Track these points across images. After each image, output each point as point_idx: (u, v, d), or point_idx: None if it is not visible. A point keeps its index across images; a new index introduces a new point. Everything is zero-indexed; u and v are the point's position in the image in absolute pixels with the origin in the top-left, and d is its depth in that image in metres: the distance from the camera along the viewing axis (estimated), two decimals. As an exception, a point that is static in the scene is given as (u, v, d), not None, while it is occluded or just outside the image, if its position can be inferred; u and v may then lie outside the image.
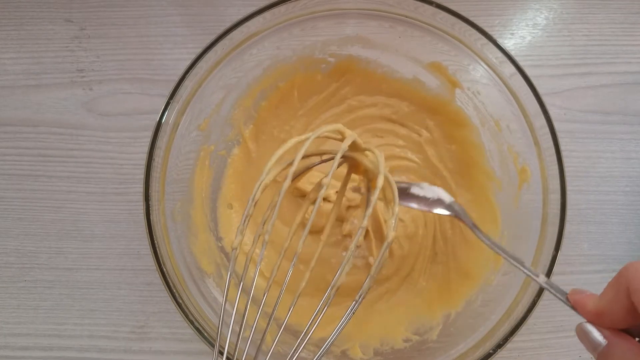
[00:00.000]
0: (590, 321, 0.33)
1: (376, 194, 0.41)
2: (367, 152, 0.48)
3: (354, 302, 0.40)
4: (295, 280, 0.40)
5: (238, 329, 0.40)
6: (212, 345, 0.47)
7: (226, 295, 0.41)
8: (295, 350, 0.38)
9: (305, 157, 0.44)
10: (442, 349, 0.52)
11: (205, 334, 0.48)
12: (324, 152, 0.49)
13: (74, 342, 0.61)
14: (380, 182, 0.42)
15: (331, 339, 0.38)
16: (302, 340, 0.38)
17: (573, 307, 0.34)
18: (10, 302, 0.63)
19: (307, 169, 0.50)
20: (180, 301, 0.48)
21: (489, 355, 0.46)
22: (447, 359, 0.49)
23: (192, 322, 0.48)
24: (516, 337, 0.46)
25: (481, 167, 0.60)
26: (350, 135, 0.45)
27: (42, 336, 0.62)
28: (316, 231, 0.60)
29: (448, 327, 0.55)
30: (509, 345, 0.46)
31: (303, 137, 0.43)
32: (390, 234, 0.41)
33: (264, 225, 0.44)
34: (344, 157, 0.48)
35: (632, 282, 0.30)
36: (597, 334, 0.32)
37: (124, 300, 0.62)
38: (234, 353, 0.44)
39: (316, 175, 0.59)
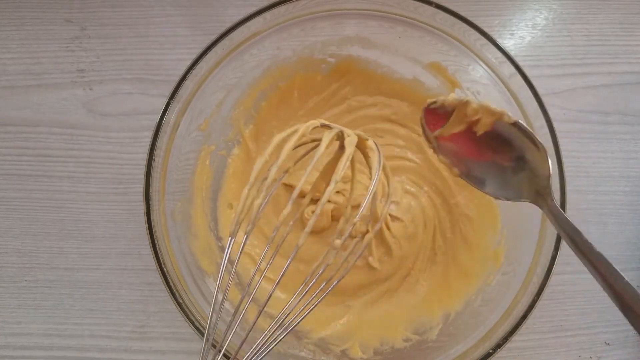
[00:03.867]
0: None
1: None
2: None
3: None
4: (292, 279, 0.40)
5: (228, 321, 0.40)
6: (213, 346, 0.47)
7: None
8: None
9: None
10: (441, 349, 0.52)
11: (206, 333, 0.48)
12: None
13: (75, 341, 0.62)
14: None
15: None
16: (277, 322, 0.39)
17: None
18: (11, 302, 0.63)
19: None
20: (181, 301, 0.48)
21: (489, 354, 0.46)
22: (447, 359, 0.49)
23: (192, 322, 0.48)
24: (515, 337, 0.46)
25: (481, 167, 0.60)
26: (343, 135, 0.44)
27: (43, 336, 0.62)
28: (316, 231, 0.60)
29: (448, 327, 0.55)
30: (508, 344, 0.46)
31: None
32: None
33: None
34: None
35: None
36: None
37: (124, 299, 0.62)
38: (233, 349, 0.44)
39: (313, 174, 0.59)
